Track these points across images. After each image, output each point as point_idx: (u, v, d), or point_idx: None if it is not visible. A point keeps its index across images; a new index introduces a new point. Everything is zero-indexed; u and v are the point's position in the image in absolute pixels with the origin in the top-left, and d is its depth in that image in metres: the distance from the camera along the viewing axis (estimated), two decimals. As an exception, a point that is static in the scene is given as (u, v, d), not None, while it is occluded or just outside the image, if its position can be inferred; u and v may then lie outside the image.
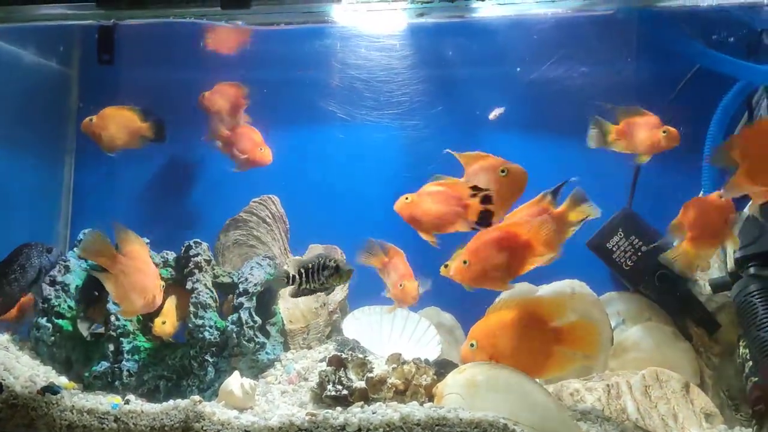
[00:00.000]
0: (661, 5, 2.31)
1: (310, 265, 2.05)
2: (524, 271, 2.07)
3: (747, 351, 2.17)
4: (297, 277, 2.06)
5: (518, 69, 2.76)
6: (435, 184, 2.12)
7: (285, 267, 2.23)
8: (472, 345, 2.08)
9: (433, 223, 2.09)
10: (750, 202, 2.19)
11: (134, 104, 2.76)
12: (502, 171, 2.06)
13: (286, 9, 2.41)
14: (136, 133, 2.73)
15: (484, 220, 2.02)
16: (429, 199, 2.10)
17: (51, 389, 2.05)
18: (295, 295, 2.11)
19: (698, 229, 2.15)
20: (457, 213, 2.06)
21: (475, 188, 2.04)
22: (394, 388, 2.07)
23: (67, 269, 2.46)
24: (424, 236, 2.12)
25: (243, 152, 2.76)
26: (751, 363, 2.14)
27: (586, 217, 2.11)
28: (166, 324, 2.38)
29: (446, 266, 2.11)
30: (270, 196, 2.92)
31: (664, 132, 2.25)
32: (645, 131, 2.27)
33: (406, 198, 2.12)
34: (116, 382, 2.29)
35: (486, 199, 2.02)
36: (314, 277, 2.05)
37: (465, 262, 2.05)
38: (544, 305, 2.09)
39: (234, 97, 2.82)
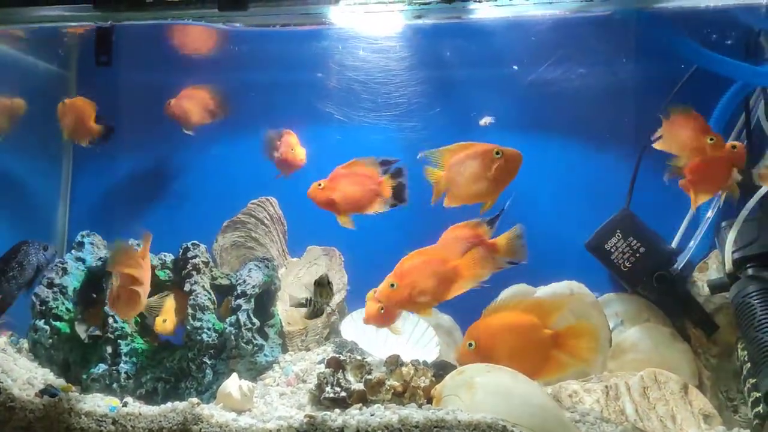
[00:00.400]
0: (659, 6, 2.31)
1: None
2: (450, 297, 2.05)
3: (745, 352, 2.17)
4: (312, 299, 2.08)
5: (516, 68, 2.75)
6: (343, 167, 2.14)
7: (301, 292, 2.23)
8: (470, 345, 2.07)
9: (352, 206, 2.10)
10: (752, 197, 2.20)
11: (128, 104, 2.77)
12: (497, 153, 2.04)
13: (283, 11, 2.40)
14: (85, 129, 2.74)
15: (400, 194, 2.07)
16: (344, 182, 2.11)
17: (49, 392, 2.05)
18: (311, 316, 2.14)
19: (698, 175, 2.13)
20: (373, 191, 2.09)
21: (384, 162, 2.07)
22: (392, 390, 2.06)
23: (65, 271, 2.45)
24: (341, 220, 2.13)
25: (279, 155, 2.72)
26: (749, 364, 2.14)
27: (517, 262, 2.12)
28: (167, 322, 2.37)
29: (375, 292, 2.09)
30: (268, 197, 2.91)
31: (711, 139, 2.09)
32: (689, 133, 2.12)
33: (319, 184, 2.13)
34: (114, 385, 2.29)
35: (397, 173, 2.06)
36: (318, 298, 2.10)
37: (392, 285, 2.02)
38: (544, 308, 2.09)
39: (203, 101, 2.81)
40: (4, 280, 2.37)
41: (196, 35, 2.78)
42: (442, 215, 2.62)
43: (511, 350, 2.04)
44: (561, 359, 2.03)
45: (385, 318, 2.16)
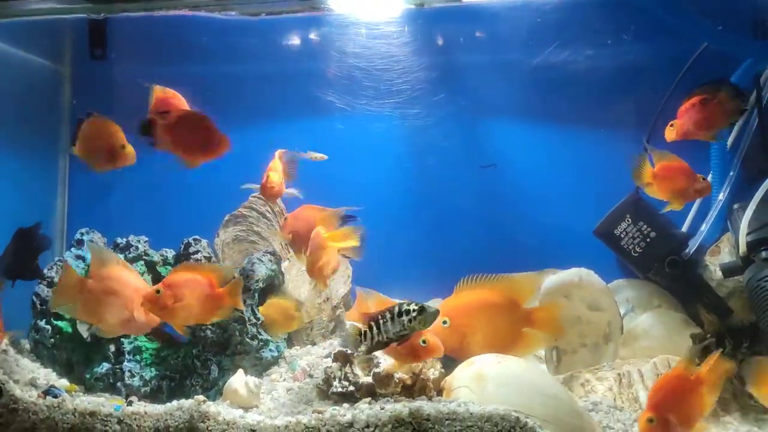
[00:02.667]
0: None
1: (380, 317, 1.89)
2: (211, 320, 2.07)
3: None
4: (369, 332, 1.91)
5: (521, 54, 2.70)
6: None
7: (354, 325, 2.05)
8: (444, 322, 2.09)
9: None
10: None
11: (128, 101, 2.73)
12: None
13: (280, -3, 2.37)
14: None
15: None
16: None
17: (52, 392, 2.02)
18: (369, 350, 1.96)
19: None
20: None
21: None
22: (401, 383, 2.04)
23: (65, 270, 2.41)
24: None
25: None
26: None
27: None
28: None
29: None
30: (269, 190, 2.86)
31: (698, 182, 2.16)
32: (680, 181, 2.16)
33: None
34: (118, 384, 2.26)
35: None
36: (387, 327, 1.89)
37: (158, 291, 1.98)
38: (516, 286, 2.12)
39: None
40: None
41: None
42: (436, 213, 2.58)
43: (485, 327, 2.08)
44: (532, 335, 2.10)
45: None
